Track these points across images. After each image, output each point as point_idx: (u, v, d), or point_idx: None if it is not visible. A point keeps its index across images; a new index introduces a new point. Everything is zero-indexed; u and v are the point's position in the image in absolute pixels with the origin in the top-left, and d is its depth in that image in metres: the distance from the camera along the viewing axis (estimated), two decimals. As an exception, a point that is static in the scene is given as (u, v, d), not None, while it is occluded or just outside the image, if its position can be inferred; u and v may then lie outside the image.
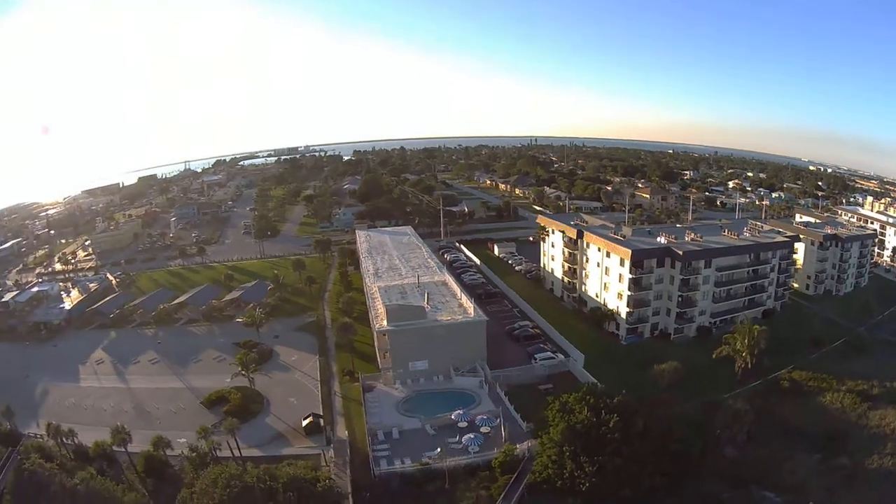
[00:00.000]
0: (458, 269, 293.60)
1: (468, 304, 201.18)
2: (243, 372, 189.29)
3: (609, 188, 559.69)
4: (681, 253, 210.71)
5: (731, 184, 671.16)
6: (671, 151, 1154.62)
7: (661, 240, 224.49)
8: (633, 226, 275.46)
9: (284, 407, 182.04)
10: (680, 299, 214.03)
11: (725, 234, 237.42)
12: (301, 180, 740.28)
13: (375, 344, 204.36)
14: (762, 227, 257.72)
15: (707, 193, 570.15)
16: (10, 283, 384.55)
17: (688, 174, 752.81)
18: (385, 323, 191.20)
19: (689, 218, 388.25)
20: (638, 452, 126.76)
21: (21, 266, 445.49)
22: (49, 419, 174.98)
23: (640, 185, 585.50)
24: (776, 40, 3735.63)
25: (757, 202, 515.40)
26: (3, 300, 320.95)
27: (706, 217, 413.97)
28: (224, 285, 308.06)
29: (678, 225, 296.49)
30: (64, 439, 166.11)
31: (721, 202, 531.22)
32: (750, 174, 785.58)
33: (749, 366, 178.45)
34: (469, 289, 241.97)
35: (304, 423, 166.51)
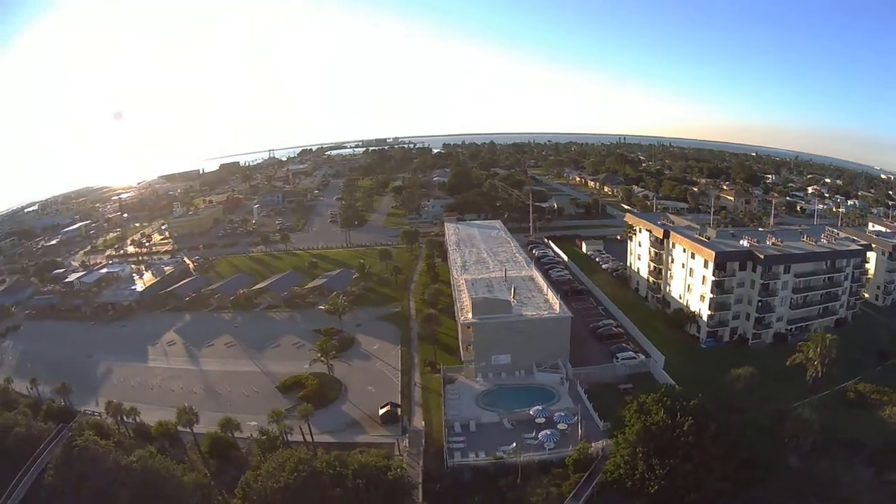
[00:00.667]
0: (545, 265, 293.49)
1: (554, 300, 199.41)
2: (322, 358, 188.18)
3: (695, 189, 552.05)
4: (762, 257, 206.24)
5: (810, 189, 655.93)
6: (754, 154, 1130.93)
7: (744, 243, 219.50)
8: (717, 228, 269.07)
9: (362, 395, 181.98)
10: (759, 304, 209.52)
11: (804, 239, 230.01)
12: (390, 171, 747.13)
13: (459, 336, 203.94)
14: (838, 234, 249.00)
15: (788, 198, 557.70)
16: (75, 263, 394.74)
17: (770, 178, 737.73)
18: (470, 315, 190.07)
19: (771, 222, 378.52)
20: (708, 457, 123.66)
21: (89, 248, 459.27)
22: (110, 398, 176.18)
23: (724, 188, 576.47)
24: (852, 49, 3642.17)
25: (833, 209, 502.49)
26: (68, 280, 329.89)
27: (786, 222, 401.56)
28: (307, 273, 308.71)
29: (760, 229, 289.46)
30: (124, 417, 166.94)
31: (801, 208, 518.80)
32: (828, 180, 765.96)
33: (820, 375, 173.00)
34: (556, 285, 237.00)
35: (381, 411, 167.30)
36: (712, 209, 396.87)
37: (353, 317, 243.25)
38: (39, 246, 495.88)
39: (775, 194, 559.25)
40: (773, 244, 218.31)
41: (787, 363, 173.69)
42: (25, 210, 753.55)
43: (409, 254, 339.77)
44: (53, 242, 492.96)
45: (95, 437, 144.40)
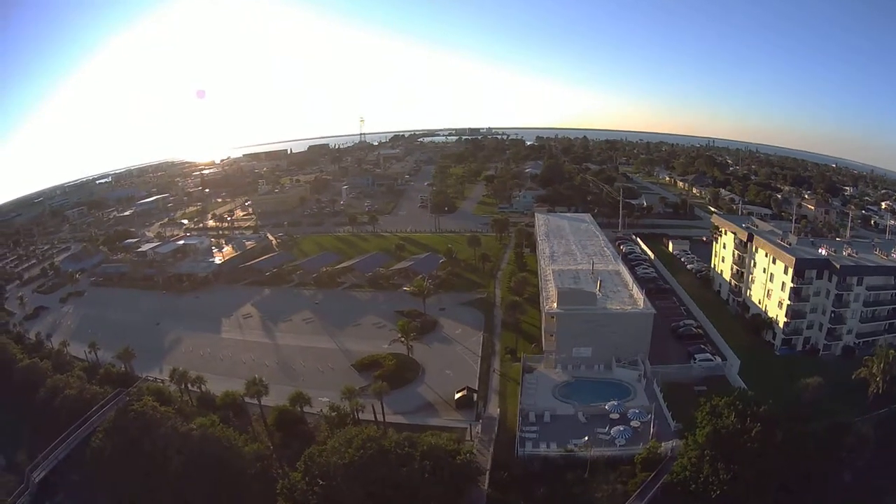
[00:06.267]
0: (632, 262, 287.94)
1: (638, 296, 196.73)
2: (402, 339, 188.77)
3: (779, 196, 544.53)
4: (838, 266, 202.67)
5: (883, 204, 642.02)
6: (834, 166, 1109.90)
7: (822, 252, 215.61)
8: (798, 235, 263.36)
9: (439, 378, 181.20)
10: (832, 315, 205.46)
11: (877, 253, 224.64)
12: (482, 161, 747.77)
13: (542, 326, 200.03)
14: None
15: (863, 211, 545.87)
16: (150, 234, 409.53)
17: (848, 190, 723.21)
18: (555, 305, 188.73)
19: (848, 234, 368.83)
20: (772, 466, 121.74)
21: (166, 220, 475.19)
22: (176, 366, 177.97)
23: (806, 196, 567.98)
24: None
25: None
26: (140, 250, 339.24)
27: (861, 235, 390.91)
28: (394, 255, 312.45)
29: (837, 239, 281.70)
30: (189, 386, 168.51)
31: (874, 222, 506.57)
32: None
33: (881, 391, 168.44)
34: (641, 282, 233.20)
35: (457, 395, 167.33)
36: (794, 217, 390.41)
37: (438, 300, 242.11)
38: (111, 216, 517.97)
39: (852, 207, 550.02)
40: (848, 255, 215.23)
41: (853, 377, 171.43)
42: (97, 181, 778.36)
43: (497, 242, 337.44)
44: (127, 213, 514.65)
45: (154, 403, 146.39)
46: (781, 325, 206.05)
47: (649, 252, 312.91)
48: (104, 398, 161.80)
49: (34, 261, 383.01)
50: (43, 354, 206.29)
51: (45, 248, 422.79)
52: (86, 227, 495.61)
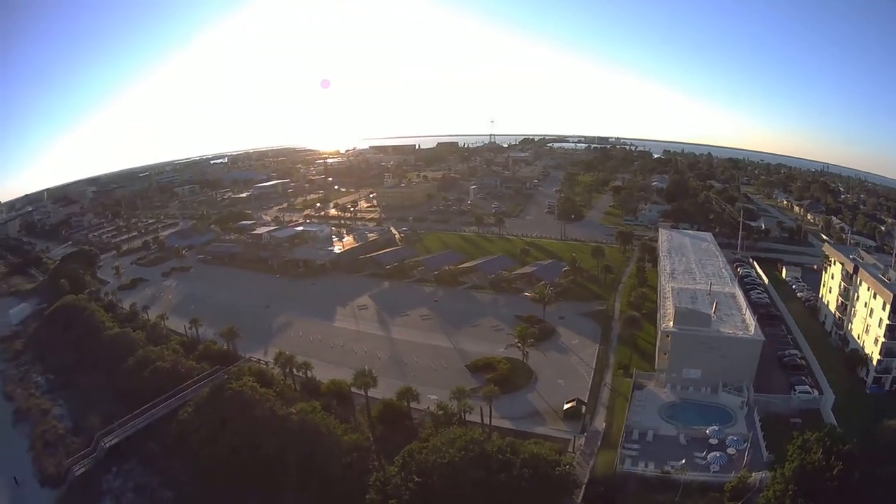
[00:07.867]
0: (747, 285, 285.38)
1: (750, 322, 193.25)
2: (519, 344, 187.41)
3: (882, 228, 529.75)
4: None
5: None
6: None
7: None
8: None
9: (551, 386, 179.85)
10: None
11: None
12: (610, 170, 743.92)
13: (657, 344, 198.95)
14: None
15: None
16: (267, 218, 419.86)
17: None
18: (671, 324, 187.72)
19: None
20: None
21: (285, 205, 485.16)
22: (283, 349, 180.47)
23: None
24: None
25: None
26: (255, 232, 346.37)
27: None
28: (518, 259, 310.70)
29: None
30: (294, 370, 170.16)
31: None
32: None
33: None
34: (754, 307, 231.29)
35: (566, 406, 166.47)
36: (895, 251, 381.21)
37: (558, 308, 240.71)
38: (226, 197, 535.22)
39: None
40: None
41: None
42: (212, 161, 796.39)
43: (621, 254, 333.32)
44: (244, 195, 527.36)
45: (255, 383, 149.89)
46: (875, 362, 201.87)
47: (764, 277, 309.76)
48: (200, 374, 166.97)
49: (135, 233, 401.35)
50: (136, 325, 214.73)
51: (150, 221, 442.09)
52: (196, 204, 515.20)
